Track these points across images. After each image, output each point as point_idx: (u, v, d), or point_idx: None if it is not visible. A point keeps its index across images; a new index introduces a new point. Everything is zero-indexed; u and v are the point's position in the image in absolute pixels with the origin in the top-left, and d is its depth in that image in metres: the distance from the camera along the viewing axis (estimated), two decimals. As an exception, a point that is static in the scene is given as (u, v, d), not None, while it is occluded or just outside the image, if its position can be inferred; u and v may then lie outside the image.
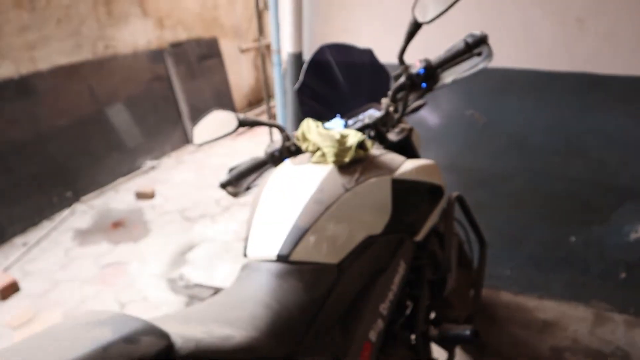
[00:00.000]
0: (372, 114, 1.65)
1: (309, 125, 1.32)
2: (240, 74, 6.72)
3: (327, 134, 1.25)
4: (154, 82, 5.05)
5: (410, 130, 1.57)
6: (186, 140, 5.47)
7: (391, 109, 1.53)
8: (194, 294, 2.76)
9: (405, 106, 1.53)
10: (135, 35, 4.79)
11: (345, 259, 1.15)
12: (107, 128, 4.44)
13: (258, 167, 1.62)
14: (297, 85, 1.69)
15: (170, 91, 5.29)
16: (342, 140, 1.23)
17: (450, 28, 2.11)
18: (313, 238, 1.11)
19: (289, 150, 1.55)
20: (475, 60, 1.43)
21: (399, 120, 1.55)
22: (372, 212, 1.22)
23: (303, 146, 1.33)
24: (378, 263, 1.26)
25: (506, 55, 2.15)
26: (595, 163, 2.20)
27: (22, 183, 3.60)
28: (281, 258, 1.09)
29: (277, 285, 1.07)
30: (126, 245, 3.31)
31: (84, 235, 3.48)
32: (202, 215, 3.67)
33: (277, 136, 1.97)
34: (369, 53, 1.67)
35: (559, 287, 2.45)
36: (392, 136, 1.55)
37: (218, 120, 1.58)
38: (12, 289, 2.83)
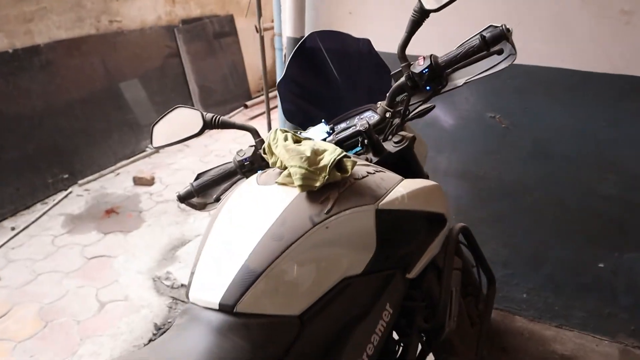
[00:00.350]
0: (367, 118, 1.39)
1: (276, 136, 1.06)
2: (256, 55, 6.45)
3: (295, 149, 0.99)
4: (162, 60, 4.82)
5: (412, 139, 1.29)
6: (195, 122, 5.26)
7: (388, 114, 1.26)
8: (178, 295, 2.56)
9: (406, 111, 1.27)
10: (143, 11, 4.56)
11: (311, 308, 0.92)
12: (119, 104, 4.26)
13: (227, 178, 1.37)
14: (279, 79, 1.43)
15: (180, 70, 5.07)
16: (313, 158, 0.97)
17: (469, 18, 1.81)
18: (267, 284, 0.87)
19: (262, 160, 1.31)
20: (494, 59, 1.15)
21: (400, 128, 1.29)
22: (350, 250, 0.97)
23: (270, 161, 1.08)
24: (356, 309, 1.01)
25: (535, 51, 1.84)
26: (630, 179, 1.89)
27: (16, 162, 3.45)
28: (224, 308, 0.86)
29: (216, 343, 0.84)
30: (116, 237, 3.13)
31: (74, 222, 3.31)
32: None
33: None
34: (366, 44, 1.39)
35: (580, 317, 2.16)
36: (390, 146, 1.28)
37: (182, 119, 1.34)
38: (-9, 278, 2.68)
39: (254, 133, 1.34)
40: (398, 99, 1.26)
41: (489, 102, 2.02)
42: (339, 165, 0.99)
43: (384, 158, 1.25)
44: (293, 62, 1.40)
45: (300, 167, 0.96)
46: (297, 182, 0.95)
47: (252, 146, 1.34)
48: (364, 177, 1.05)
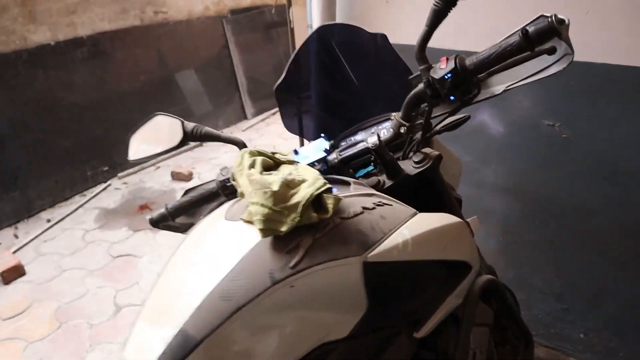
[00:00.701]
0: (383, 131, 1.14)
1: (242, 160, 0.84)
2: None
3: (259, 180, 0.76)
4: (209, 51, 4.72)
5: (437, 159, 1.02)
6: (242, 115, 5.15)
7: (403, 129, 1.00)
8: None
9: (428, 125, 1.01)
10: (191, 1, 4.46)
11: None
12: (170, 95, 4.22)
13: (209, 200, 1.16)
14: (278, 81, 1.20)
15: (228, 62, 4.95)
16: (282, 193, 0.74)
17: (524, 4, 1.50)
18: (207, 355, 0.66)
19: None
20: (545, 59, 0.88)
21: (423, 144, 1.03)
22: (328, 311, 0.74)
23: (238, 190, 0.86)
24: None
25: (608, 46, 1.50)
26: None
27: (57, 154, 3.45)
28: None
29: None
30: (145, 235, 3.04)
31: (107, 217, 3.27)
32: (232, 206, 3.32)
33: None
34: (382, 39, 1.14)
35: (650, 366, 1.80)
36: (408, 167, 1.03)
37: (161, 129, 1.16)
38: (17, 272, 2.66)
39: (242, 147, 1.13)
40: (418, 110, 1.01)
41: (547, 107, 1.69)
42: (317, 202, 0.75)
43: (401, 181, 1.00)
44: (297, 62, 1.18)
45: (262, 205, 0.73)
46: (258, 225, 0.72)
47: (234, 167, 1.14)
48: (356, 214, 0.80)
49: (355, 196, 0.87)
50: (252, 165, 0.81)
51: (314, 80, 1.21)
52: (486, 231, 1.96)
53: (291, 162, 0.92)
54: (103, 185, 3.69)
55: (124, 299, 2.46)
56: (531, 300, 1.96)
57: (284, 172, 0.81)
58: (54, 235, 3.08)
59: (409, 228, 0.82)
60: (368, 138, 0.99)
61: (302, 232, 0.74)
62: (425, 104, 0.97)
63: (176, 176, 3.71)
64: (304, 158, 1.07)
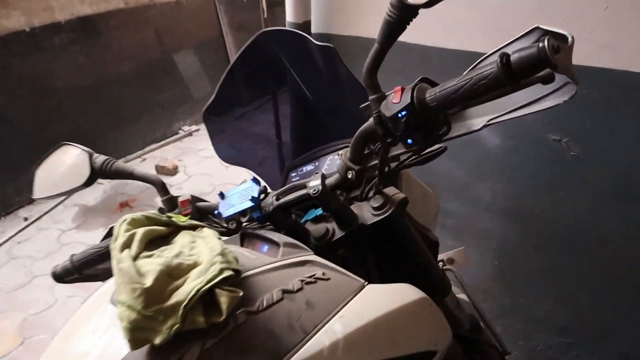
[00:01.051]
0: (333, 168, 0.93)
1: (118, 232, 0.63)
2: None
3: (128, 270, 0.55)
4: (200, 34, 4.47)
5: (400, 204, 0.80)
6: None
7: (350, 174, 0.78)
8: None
9: (383, 168, 0.79)
10: (179, -19, 4.19)
11: None
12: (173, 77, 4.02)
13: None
14: (208, 103, 0.99)
15: (220, 44, 4.69)
16: (159, 288, 0.53)
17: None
18: None
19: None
20: (540, 88, 0.65)
21: (381, 186, 0.81)
22: None
23: None
24: None
25: (626, 50, 1.25)
26: None
27: (36, 146, 3.26)
28: None
29: None
30: (122, 236, 2.86)
31: (86, 215, 3.09)
32: (217, 205, 3.12)
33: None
34: (328, 52, 0.89)
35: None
36: (366, 212, 0.81)
37: (67, 162, 0.96)
38: (-15, 279, 2.50)
39: (160, 187, 0.92)
40: (373, 147, 0.78)
41: (554, 118, 1.45)
42: (210, 299, 0.55)
43: (355, 232, 0.79)
44: (232, 77, 0.95)
45: (129, 306, 0.52)
46: (126, 335, 0.52)
47: (159, 210, 0.93)
48: (270, 305, 0.59)
49: (280, 268, 0.66)
50: (127, 243, 0.60)
51: (255, 98, 0.99)
52: (480, 254, 1.75)
53: (193, 227, 0.71)
54: (86, 179, 3.51)
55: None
56: (530, 331, 1.75)
57: (173, 250, 0.61)
58: (29, 235, 2.92)
59: (344, 321, 0.61)
60: (310, 181, 0.78)
61: (189, 338, 0.53)
62: (379, 142, 0.75)
63: (160, 170, 3.52)
64: (228, 207, 0.85)
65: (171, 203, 0.95)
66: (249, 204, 0.83)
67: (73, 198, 3.29)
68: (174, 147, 3.99)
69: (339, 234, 0.77)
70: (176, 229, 0.70)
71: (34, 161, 0.97)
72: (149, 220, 0.68)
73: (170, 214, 0.72)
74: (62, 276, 0.98)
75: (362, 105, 0.78)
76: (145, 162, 3.75)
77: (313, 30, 1.82)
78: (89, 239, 2.83)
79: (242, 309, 0.56)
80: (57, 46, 3.34)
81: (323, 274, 0.65)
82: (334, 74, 0.90)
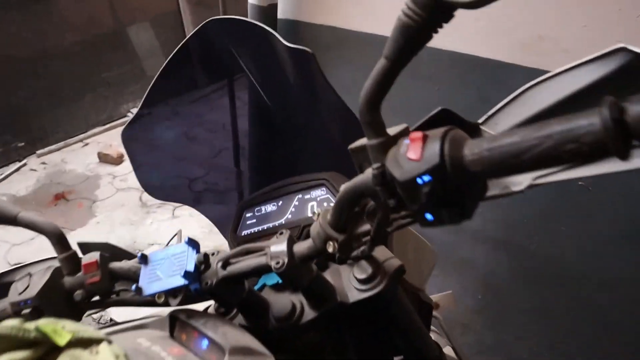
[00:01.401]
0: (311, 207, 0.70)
1: None
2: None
3: None
4: (156, 6, 4.07)
5: (395, 275, 0.57)
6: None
7: (331, 247, 0.52)
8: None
9: (379, 236, 0.53)
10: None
11: None
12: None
13: None
14: (129, 120, 0.71)
15: (177, 19, 4.30)
16: None
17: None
18: None
19: (59, 308, 0.63)
20: None
21: (371, 249, 0.56)
22: None
23: None
24: None
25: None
26: None
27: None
28: None
29: None
30: (53, 235, 2.52)
31: (13, 208, 2.72)
32: (164, 202, 2.80)
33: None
34: (304, 59, 0.62)
35: None
36: (350, 287, 0.58)
37: None
38: None
39: (56, 241, 0.64)
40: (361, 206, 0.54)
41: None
42: None
43: (331, 312, 0.57)
44: (165, 81, 0.67)
45: None
46: None
47: (50, 268, 0.66)
48: None
49: None
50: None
51: (196, 108, 0.72)
52: (461, 285, 1.54)
53: (85, 342, 0.44)
54: (17, 165, 3.11)
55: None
56: (511, 371, 1.57)
57: None
58: (-59, 229, 2.53)
59: None
60: (272, 245, 0.53)
61: None
62: (372, 204, 0.51)
63: (104, 158, 3.16)
64: (152, 279, 0.59)
65: (72, 263, 0.66)
66: (181, 281, 0.56)
67: (2, 185, 2.90)
68: (118, 132, 3.61)
69: (309, 314, 0.58)
70: (52, 351, 0.42)
71: None
72: (8, 342, 0.40)
73: (43, 325, 0.44)
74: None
75: (353, 146, 0.52)
76: (87, 147, 3.37)
77: (280, 15, 1.54)
78: (15, 238, 2.47)
79: None
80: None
81: None
82: (308, 86, 0.63)
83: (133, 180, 2.94)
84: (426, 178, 0.40)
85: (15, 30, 3.08)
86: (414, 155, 0.41)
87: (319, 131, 0.72)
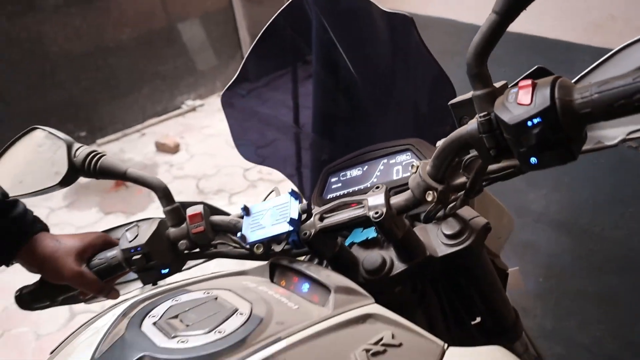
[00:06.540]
0: (396, 180, 0.73)
1: None
2: None
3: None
4: (207, 3, 4.18)
5: (481, 232, 0.61)
6: (244, 76, 4.65)
7: (430, 196, 0.56)
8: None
9: (473, 189, 0.57)
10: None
11: None
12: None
13: (109, 273, 0.77)
14: (229, 83, 0.76)
15: (229, 15, 4.40)
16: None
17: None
18: None
19: (169, 255, 0.70)
20: None
21: (464, 203, 0.60)
22: None
23: None
24: None
25: None
26: None
27: (24, 116, 3.02)
28: None
29: None
30: (116, 219, 2.65)
31: (78, 194, 2.87)
32: (220, 189, 2.89)
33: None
34: (403, 23, 0.65)
35: None
36: (437, 241, 0.62)
37: (40, 153, 0.75)
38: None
39: (162, 194, 0.71)
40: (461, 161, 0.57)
41: (631, 119, 1.22)
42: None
43: (420, 265, 0.60)
44: (261, 49, 0.72)
45: None
46: None
47: (156, 220, 0.73)
48: None
49: (335, 329, 0.48)
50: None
51: (290, 77, 0.76)
52: (522, 268, 1.54)
53: None
54: (80, 153, 3.28)
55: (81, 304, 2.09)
56: (572, 357, 1.55)
57: None
58: (15, 212, 2.70)
59: None
60: (369, 197, 0.57)
61: None
62: (474, 153, 0.54)
63: (161, 147, 3.29)
64: (255, 228, 0.64)
65: (177, 215, 0.73)
66: (287, 227, 0.61)
67: (65, 173, 3.07)
68: (176, 122, 3.74)
69: (399, 267, 0.61)
70: None
71: (21, 131, 0.78)
72: None
73: None
74: (30, 302, 0.78)
75: (453, 101, 0.56)
76: (144, 138, 3.52)
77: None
78: (79, 220, 2.62)
79: None
80: (51, 7, 3.08)
81: (392, 336, 0.46)
82: (402, 52, 0.67)
83: (190, 168, 3.07)
84: (536, 120, 0.44)
85: (78, 24, 3.24)
86: (525, 100, 0.45)
87: (404, 100, 0.75)
